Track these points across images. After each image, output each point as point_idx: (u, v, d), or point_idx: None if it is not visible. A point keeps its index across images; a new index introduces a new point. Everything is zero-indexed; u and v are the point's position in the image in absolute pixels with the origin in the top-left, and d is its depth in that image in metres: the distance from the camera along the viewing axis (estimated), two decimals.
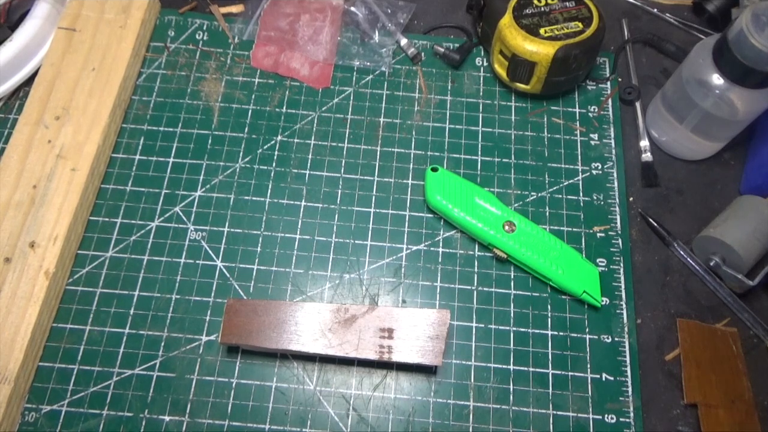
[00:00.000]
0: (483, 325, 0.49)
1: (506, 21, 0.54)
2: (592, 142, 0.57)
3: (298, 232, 0.52)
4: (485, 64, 0.60)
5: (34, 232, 0.49)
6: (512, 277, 0.51)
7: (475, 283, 0.51)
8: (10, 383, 0.44)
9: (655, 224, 0.53)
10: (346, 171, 0.55)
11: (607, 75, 0.60)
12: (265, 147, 0.56)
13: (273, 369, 0.47)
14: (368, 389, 0.47)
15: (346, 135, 0.56)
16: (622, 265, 0.51)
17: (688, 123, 0.52)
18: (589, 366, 0.48)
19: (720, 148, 0.55)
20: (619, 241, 0.52)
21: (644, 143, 0.57)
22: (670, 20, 0.63)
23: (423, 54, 0.60)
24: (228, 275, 0.50)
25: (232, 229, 0.52)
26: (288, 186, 0.54)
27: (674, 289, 0.52)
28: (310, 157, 0.55)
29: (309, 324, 0.46)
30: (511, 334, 0.49)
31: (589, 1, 0.55)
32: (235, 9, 0.62)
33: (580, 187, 0.55)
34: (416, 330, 0.45)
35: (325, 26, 0.60)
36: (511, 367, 0.48)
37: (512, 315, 0.49)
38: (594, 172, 0.55)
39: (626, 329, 0.49)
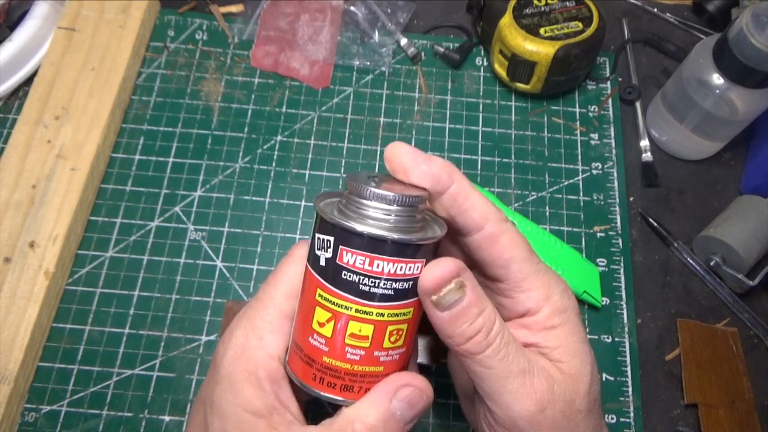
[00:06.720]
0: None
1: (506, 21, 0.54)
2: (592, 142, 0.56)
3: (298, 232, 0.52)
4: (485, 64, 0.60)
5: (34, 232, 0.49)
6: None
7: None
8: (10, 383, 0.44)
9: (656, 224, 0.53)
10: (347, 171, 0.55)
11: (608, 75, 0.60)
12: (265, 147, 0.56)
13: None
14: None
15: (346, 135, 0.56)
16: (622, 265, 0.51)
17: (689, 123, 0.52)
18: None
19: (720, 148, 0.55)
20: (619, 241, 0.52)
21: (644, 143, 0.57)
22: (670, 20, 0.63)
23: (423, 54, 0.60)
24: (228, 275, 0.50)
25: (232, 229, 0.52)
26: (288, 186, 0.54)
27: (674, 289, 0.52)
28: (310, 157, 0.55)
29: None
30: None
31: (589, 0, 0.55)
32: (234, 9, 0.62)
33: (580, 187, 0.54)
34: None
35: (325, 26, 0.59)
36: None
37: None
38: (594, 171, 0.55)
39: (626, 329, 0.49)
